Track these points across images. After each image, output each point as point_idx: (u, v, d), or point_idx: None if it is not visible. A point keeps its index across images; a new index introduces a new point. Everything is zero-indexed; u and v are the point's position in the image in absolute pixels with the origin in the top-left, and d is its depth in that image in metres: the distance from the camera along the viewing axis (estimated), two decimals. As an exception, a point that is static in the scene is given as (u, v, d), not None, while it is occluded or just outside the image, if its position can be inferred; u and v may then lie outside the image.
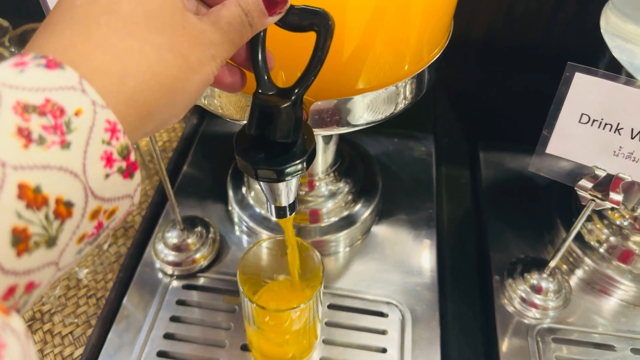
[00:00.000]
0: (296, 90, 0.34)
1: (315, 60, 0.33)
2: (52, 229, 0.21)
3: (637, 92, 0.41)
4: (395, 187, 0.72)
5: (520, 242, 0.65)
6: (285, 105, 0.33)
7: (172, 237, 0.61)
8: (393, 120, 0.49)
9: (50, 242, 0.21)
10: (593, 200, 0.48)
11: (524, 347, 0.55)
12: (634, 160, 0.44)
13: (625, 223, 0.60)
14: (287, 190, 0.39)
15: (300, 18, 0.32)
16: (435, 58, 0.47)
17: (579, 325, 0.57)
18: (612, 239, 0.60)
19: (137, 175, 0.25)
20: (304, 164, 0.35)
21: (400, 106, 0.48)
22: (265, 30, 0.33)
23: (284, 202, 0.40)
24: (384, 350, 0.55)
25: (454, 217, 0.72)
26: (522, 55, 0.74)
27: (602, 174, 0.46)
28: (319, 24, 0.32)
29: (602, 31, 0.51)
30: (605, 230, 0.61)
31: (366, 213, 0.65)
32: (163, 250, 0.61)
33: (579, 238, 0.62)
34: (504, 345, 0.56)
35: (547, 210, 0.68)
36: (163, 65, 0.26)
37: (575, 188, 0.48)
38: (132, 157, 0.25)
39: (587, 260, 0.61)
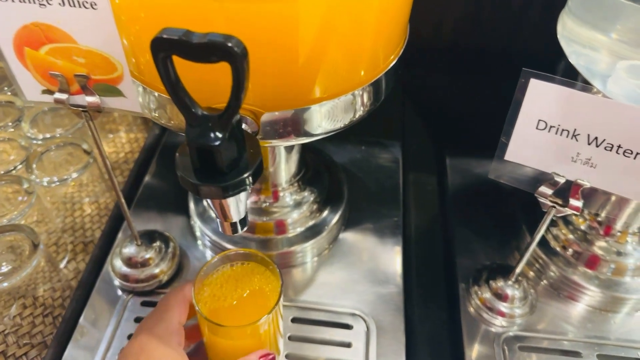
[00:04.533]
0: (226, 118, 0.33)
1: (237, 87, 0.31)
2: None
3: (593, 98, 0.40)
4: (362, 195, 0.71)
5: (487, 248, 0.65)
6: (219, 142, 0.33)
7: (130, 252, 0.59)
8: (360, 128, 0.48)
9: None
10: (554, 206, 0.47)
11: (490, 356, 0.54)
12: (591, 166, 0.43)
13: (590, 228, 0.60)
14: (237, 204, 0.37)
15: (208, 54, 0.30)
16: (391, 65, 0.46)
17: (546, 333, 0.56)
18: (577, 244, 0.60)
19: None
20: (250, 178, 0.34)
21: (359, 113, 0.47)
22: (175, 72, 0.32)
23: (235, 217, 0.39)
24: (349, 364, 0.54)
25: (421, 224, 0.71)
26: (488, 61, 0.74)
27: (561, 180, 0.45)
28: (226, 56, 0.30)
29: (558, 36, 0.51)
30: (570, 236, 0.61)
31: (332, 222, 0.64)
32: (121, 267, 0.59)
33: (545, 244, 0.62)
34: (471, 355, 0.55)
35: (513, 216, 0.68)
36: None
37: (536, 195, 0.47)
38: None
39: (553, 266, 0.60)
